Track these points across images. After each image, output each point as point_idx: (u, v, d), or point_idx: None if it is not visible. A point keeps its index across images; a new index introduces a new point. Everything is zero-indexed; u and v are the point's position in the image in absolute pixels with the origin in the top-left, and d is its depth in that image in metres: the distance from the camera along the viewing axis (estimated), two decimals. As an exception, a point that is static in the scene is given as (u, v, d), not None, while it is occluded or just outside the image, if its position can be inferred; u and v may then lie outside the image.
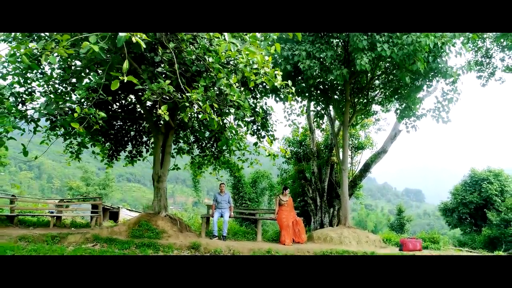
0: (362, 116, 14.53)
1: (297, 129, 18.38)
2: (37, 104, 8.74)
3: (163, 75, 8.49)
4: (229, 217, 10.20)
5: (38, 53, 5.75)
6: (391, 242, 12.68)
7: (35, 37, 8.46)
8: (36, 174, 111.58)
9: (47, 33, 8.00)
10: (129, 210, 25.04)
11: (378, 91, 12.36)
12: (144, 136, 12.65)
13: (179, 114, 10.32)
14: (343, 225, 11.28)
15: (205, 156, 12.74)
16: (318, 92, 11.92)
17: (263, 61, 5.93)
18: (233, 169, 13.12)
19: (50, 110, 7.67)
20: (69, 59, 8.18)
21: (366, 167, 16.67)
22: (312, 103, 12.95)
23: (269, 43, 6.99)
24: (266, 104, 10.82)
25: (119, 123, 11.83)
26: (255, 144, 10.59)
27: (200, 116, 6.35)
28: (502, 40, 13.76)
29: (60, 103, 8.41)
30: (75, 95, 9.39)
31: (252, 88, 8.66)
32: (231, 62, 7.70)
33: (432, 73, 9.79)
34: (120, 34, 4.73)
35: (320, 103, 12.76)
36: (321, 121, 15.55)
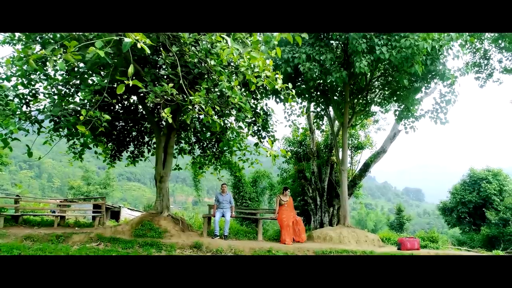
0: (362, 116, 14.68)
1: (297, 129, 18.51)
2: (41, 105, 8.88)
3: (166, 78, 8.64)
4: (231, 217, 10.35)
5: (43, 57, 5.88)
6: (390, 241, 12.83)
7: (38, 39, 8.58)
8: (36, 173, 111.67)
9: (51, 36, 8.15)
10: (130, 209, 25.20)
11: (377, 92, 12.50)
12: (145, 137, 12.79)
13: (181, 116, 10.47)
14: (342, 225, 11.43)
15: (206, 156, 12.88)
16: (318, 93, 12.06)
17: (264, 65, 6.07)
18: (234, 169, 13.26)
19: (55, 111, 7.81)
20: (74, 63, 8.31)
21: (366, 167, 16.81)
22: (312, 104, 13.09)
23: (270, 47, 7.14)
24: (266, 105, 10.96)
25: (121, 123, 11.97)
26: (256, 144, 10.72)
27: (202, 119, 6.49)
28: (500, 41, 13.88)
29: (64, 104, 8.56)
30: (79, 96, 9.57)
31: (252, 90, 8.80)
32: (231, 64, 7.83)
33: (430, 75, 9.93)
34: (126, 40, 4.87)
35: (320, 104, 12.92)
36: (321, 122, 15.69)
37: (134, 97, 11.33)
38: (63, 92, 9.35)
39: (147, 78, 7.92)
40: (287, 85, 6.55)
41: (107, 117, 6.49)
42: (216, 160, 12.80)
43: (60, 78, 9.07)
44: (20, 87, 8.65)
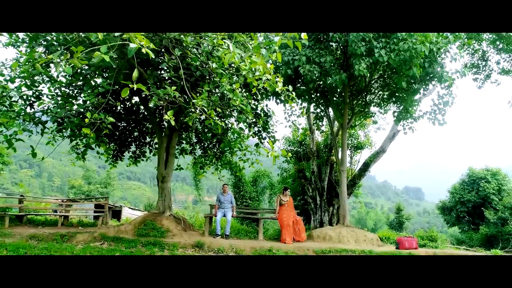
0: (361, 117, 14.82)
1: (297, 130, 18.66)
2: (45, 107, 9.01)
3: (168, 80, 8.78)
4: (232, 216, 10.51)
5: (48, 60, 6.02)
6: (389, 241, 12.99)
7: (42, 41, 8.71)
8: (36, 172, 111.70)
9: (55, 38, 8.27)
10: (131, 208, 25.39)
11: (376, 93, 12.64)
12: (147, 137, 12.93)
13: (183, 117, 10.62)
14: (341, 224, 11.60)
15: (207, 156, 13.02)
16: (318, 94, 12.21)
17: (265, 68, 6.21)
18: (234, 169, 13.40)
19: (60, 113, 7.95)
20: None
21: (365, 167, 16.95)
22: (312, 105, 13.24)
23: (271, 51, 7.28)
24: (267, 106, 11.10)
25: (123, 124, 12.10)
26: (256, 145, 10.86)
27: (205, 121, 6.63)
28: (497, 42, 14.02)
29: (67, 106, 8.70)
30: (82, 98, 9.71)
31: (254, 92, 8.94)
32: (233, 65, 7.96)
33: (428, 78, 10.08)
34: (131, 45, 5.01)
35: (320, 106, 13.06)
36: (320, 123, 15.83)
37: (136, 98, 11.46)
38: (66, 94, 9.47)
39: (150, 80, 8.06)
40: (287, 87, 6.69)
41: (111, 119, 6.63)
42: (217, 160, 12.94)
43: (63, 80, 9.20)
44: (24, 88, 8.78)
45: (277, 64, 9.79)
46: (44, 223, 11.47)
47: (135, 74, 5.36)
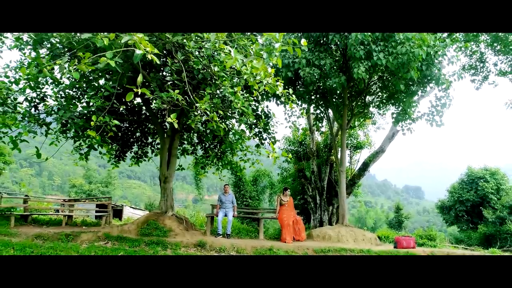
0: (360, 118, 14.99)
1: (297, 130, 18.83)
2: (50, 108, 9.18)
3: (170, 83, 8.94)
4: (233, 216, 10.69)
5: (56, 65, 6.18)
6: (388, 240, 13.18)
7: (45, 43, 8.85)
8: (36, 171, 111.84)
9: (58, 40, 8.42)
10: (133, 208, 25.56)
11: (375, 94, 12.81)
12: (149, 137, 13.10)
13: (186, 119, 10.78)
14: (341, 224, 11.79)
15: (209, 156, 13.19)
16: (317, 96, 12.39)
17: (266, 73, 6.37)
18: (235, 169, 13.56)
19: (65, 116, 8.12)
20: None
21: (365, 166, 17.10)
22: (312, 106, 13.41)
23: (273, 56, 7.44)
24: (267, 107, 11.26)
25: (125, 125, 12.27)
26: (257, 146, 11.02)
27: (208, 124, 6.79)
28: (495, 44, 14.18)
29: (71, 107, 8.87)
30: (85, 99, 9.89)
31: (255, 96, 9.11)
32: (234, 67, 8.12)
33: (426, 80, 10.26)
34: (137, 51, 5.18)
35: (319, 107, 13.24)
36: (320, 124, 16.00)
37: (139, 99, 11.61)
38: (70, 96, 9.63)
39: (153, 83, 8.22)
40: (287, 91, 6.86)
41: (116, 122, 6.80)
42: (218, 161, 13.10)
43: (67, 81, 9.36)
44: (28, 90, 8.93)
45: (277, 67, 9.95)
46: (48, 222, 11.66)
47: (139, 79, 5.55)
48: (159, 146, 12.72)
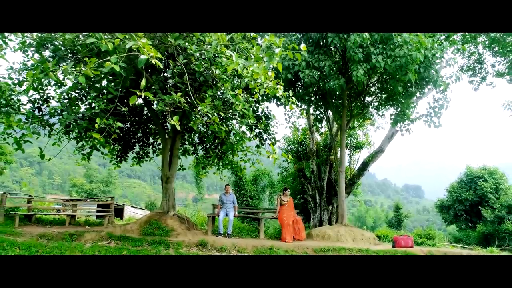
0: (359, 119, 15.14)
1: (297, 130, 18.98)
2: (53, 110, 9.32)
3: (172, 85, 9.08)
4: (234, 216, 10.85)
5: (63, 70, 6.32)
6: (387, 239, 13.33)
7: (49, 45, 8.98)
8: (37, 170, 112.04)
9: (61, 42, 8.54)
10: (133, 207, 25.72)
11: (374, 96, 12.96)
12: (150, 138, 13.25)
13: (187, 120, 10.92)
14: (340, 223, 11.95)
15: (209, 157, 13.33)
16: (317, 97, 12.53)
17: (266, 77, 6.52)
18: (236, 169, 13.70)
19: (69, 118, 8.27)
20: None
21: (364, 166, 17.22)
22: (311, 107, 13.56)
23: (273, 60, 7.58)
24: (267, 108, 11.41)
25: (127, 125, 12.41)
26: (257, 146, 11.17)
27: (209, 126, 6.94)
28: (493, 45, 14.33)
29: (74, 108, 9.02)
30: (88, 100, 10.04)
31: (256, 98, 9.26)
32: (235, 69, 8.24)
33: (424, 82, 10.41)
34: (142, 57, 5.34)
35: (319, 108, 13.39)
36: (320, 125, 16.14)
37: (140, 100, 11.74)
38: (74, 97, 9.77)
39: (155, 86, 8.37)
40: (287, 93, 7.00)
41: (119, 124, 6.97)
42: (219, 161, 13.24)
43: (69, 83, 9.49)
44: (31, 92, 9.05)
45: (278, 70, 10.10)
46: (51, 222, 11.81)
47: (143, 83, 5.71)
48: (160, 147, 12.87)
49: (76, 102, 9.67)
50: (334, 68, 10.27)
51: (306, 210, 18.98)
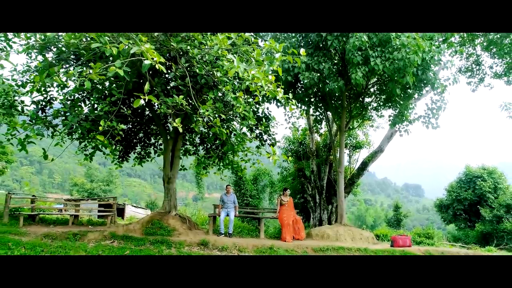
0: (359, 120, 15.29)
1: (297, 131, 19.12)
2: (57, 111, 9.46)
3: (174, 87, 9.22)
4: (234, 216, 11.01)
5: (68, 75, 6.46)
6: (386, 238, 13.49)
7: (51, 47, 9.12)
8: (37, 169, 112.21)
9: (64, 44, 8.67)
10: (134, 206, 25.88)
11: (373, 97, 13.11)
12: (152, 138, 13.39)
13: (189, 122, 11.06)
14: (339, 223, 12.11)
15: (210, 157, 13.48)
16: (317, 99, 12.68)
17: (266, 79, 6.66)
18: (236, 169, 13.85)
19: (73, 120, 8.41)
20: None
21: (364, 166, 17.36)
22: (311, 108, 13.71)
23: (274, 64, 7.71)
24: (268, 109, 11.57)
25: (128, 126, 12.55)
26: (258, 147, 11.33)
27: (211, 129, 7.09)
28: (491, 47, 14.47)
29: (77, 110, 9.16)
30: (90, 101, 10.20)
31: (256, 101, 9.40)
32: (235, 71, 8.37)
33: (421, 84, 10.56)
34: (145, 62, 5.48)
35: (319, 109, 13.54)
36: (319, 126, 16.28)
37: (142, 101, 11.86)
38: (75, 98, 9.91)
39: (157, 88, 8.51)
40: (287, 96, 7.14)
41: (123, 126, 7.12)
42: (219, 161, 13.40)
43: (73, 84, 9.62)
44: (34, 93, 9.19)
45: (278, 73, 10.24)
46: (55, 222, 11.98)
47: (147, 87, 5.86)
48: (161, 147, 13.02)
49: (79, 104, 9.82)
50: (334, 70, 10.41)
51: (306, 210, 19.11)
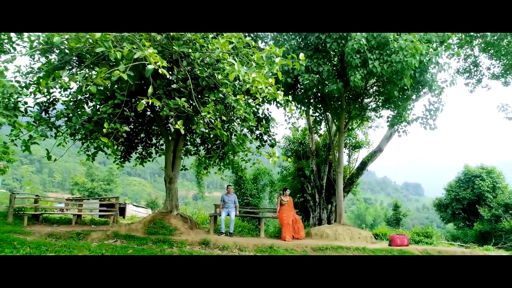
0: (358, 121, 15.44)
1: (296, 131, 19.26)
2: (60, 113, 9.61)
3: (175, 90, 9.37)
4: (235, 215, 11.19)
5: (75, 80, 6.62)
6: (385, 237, 13.66)
7: (54, 49, 9.25)
8: (37, 168, 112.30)
9: (67, 46, 8.79)
10: (135, 205, 26.04)
11: (371, 98, 13.27)
12: (153, 139, 13.54)
13: (190, 123, 11.19)
14: (338, 223, 12.29)
15: (211, 157, 13.63)
16: (316, 100, 12.84)
17: (266, 83, 6.81)
18: (236, 169, 13.99)
19: (78, 122, 8.56)
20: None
21: (363, 165, 17.51)
22: (311, 109, 13.87)
23: (274, 68, 7.86)
24: (268, 109, 11.72)
25: (130, 126, 12.68)
26: (258, 147, 11.48)
27: (212, 131, 7.24)
28: (489, 48, 14.62)
29: (79, 111, 9.31)
30: (93, 102, 10.35)
31: (257, 103, 9.56)
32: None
33: (419, 86, 10.73)
34: (149, 66, 5.64)
35: (318, 110, 13.70)
36: (319, 127, 16.43)
37: (143, 101, 11.98)
38: (79, 99, 10.06)
39: (159, 90, 8.65)
40: (287, 98, 7.29)
41: (126, 128, 7.28)
42: (220, 161, 13.55)
43: (74, 85, 9.76)
44: (38, 94, 9.33)
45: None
46: (58, 221, 12.14)
47: (150, 90, 6.03)
48: (163, 147, 13.17)
49: (82, 105, 9.96)
50: (333, 72, 10.56)
51: (305, 209, 19.24)
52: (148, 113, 12.52)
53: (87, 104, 10.59)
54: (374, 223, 56.32)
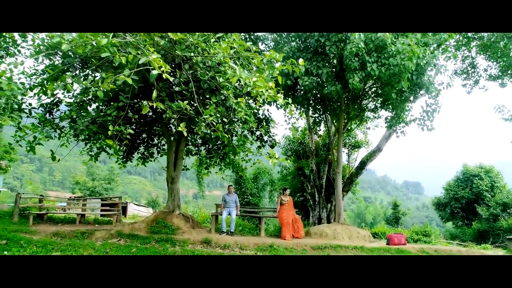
0: (356, 121, 15.63)
1: (296, 131, 19.44)
2: (64, 114, 9.79)
3: (177, 93, 9.56)
4: (236, 215, 11.40)
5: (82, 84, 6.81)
6: (384, 236, 13.85)
7: (57, 51, 9.42)
8: (37, 167, 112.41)
9: (70, 48, 8.96)
10: (136, 204, 26.24)
11: (370, 99, 13.47)
12: (155, 139, 13.74)
13: (192, 124, 11.38)
14: (337, 222, 12.50)
15: (212, 157, 13.81)
16: (316, 101, 13.03)
17: (266, 85, 6.99)
18: (237, 169, 14.17)
19: (83, 124, 8.76)
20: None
21: (362, 165, 17.69)
22: (310, 110, 14.06)
23: (274, 72, 8.05)
24: (268, 110, 11.91)
25: (132, 127, 12.87)
26: (258, 148, 11.68)
27: (213, 133, 7.44)
28: (487, 50, 14.80)
29: (83, 112, 9.50)
30: (96, 103, 10.53)
31: (258, 105, 9.73)
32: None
33: (417, 88, 10.92)
34: (153, 71, 5.84)
35: (317, 111, 13.90)
36: (318, 128, 16.61)
37: (145, 102, 12.16)
38: (83, 101, 10.23)
39: (162, 93, 8.85)
40: (287, 100, 7.48)
41: (130, 131, 7.48)
42: (221, 161, 13.73)
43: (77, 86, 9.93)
44: (42, 96, 9.50)
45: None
46: (62, 220, 12.35)
47: (154, 94, 6.24)
48: (164, 147, 13.36)
49: (86, 107, 10.15)
50: (332, 75, 10.76)
51: (305, 208, 19.43)
52: (150, 114, 12.70)
53: (90, 105, 10.76)
54: (374, 222, 56.53)
